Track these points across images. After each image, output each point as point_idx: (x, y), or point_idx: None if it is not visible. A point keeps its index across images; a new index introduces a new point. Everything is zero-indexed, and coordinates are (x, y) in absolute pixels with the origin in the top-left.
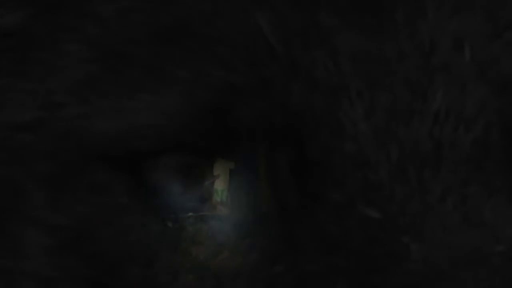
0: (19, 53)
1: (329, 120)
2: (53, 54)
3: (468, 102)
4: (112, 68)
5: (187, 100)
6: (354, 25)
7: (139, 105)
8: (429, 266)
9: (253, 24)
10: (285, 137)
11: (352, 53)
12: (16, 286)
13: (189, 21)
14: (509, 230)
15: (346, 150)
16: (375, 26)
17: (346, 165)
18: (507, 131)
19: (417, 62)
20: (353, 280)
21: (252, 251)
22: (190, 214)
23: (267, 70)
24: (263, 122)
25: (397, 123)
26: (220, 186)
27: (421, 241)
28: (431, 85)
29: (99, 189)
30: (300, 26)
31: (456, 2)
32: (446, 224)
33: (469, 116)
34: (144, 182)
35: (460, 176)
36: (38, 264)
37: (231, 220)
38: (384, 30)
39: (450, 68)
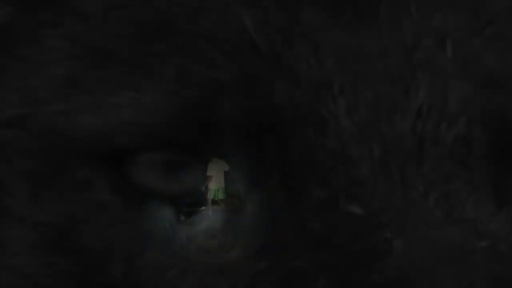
0: (2, 49)
1: (312, 116)
2: (36, 50)
3: (450, 98)
4: (96, 65)
5: (171, 97)
6: (337, 21)
7: (123, 102)
8: (411, 262)
9: (236, 21)
10: (268, 133)
11: (335, 50)
12: (1, 282)
13: (173, 18)
14: (491, 226)
15: (329, 146)
16: (358, 22)
17: (329, 161)
18: (489, 127)
19: (399, 59)
20: (336, 276)
21: (236, 248)
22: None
23: (250, 67)
24: (247, 118)
25: (379, 119)
26: (213, 185)
27: (404, 237)
28: (414, 81)
29: (82, 186)
30: (284, 22)
31: None
32: (429, 220)
33: (452, 112)
34: (128, 179)
35: (443, 172)
36: (22, 260)
37: (217, 217)
38: (367, 27)
39: (433, 64)
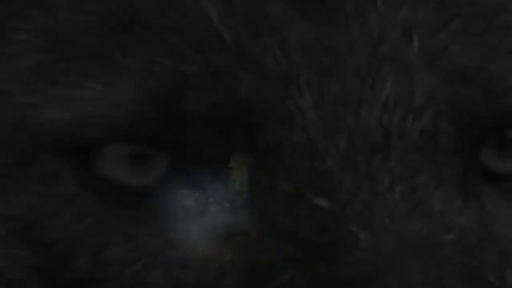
0: None
1: (278, 109)
2: (2, 43)
3: (416, 91)
4: (62, 57)
5: (137, 89)
6: (303, 15)
7: (89, 94)
8: (377, 255)
9: (203, 14)
10: (235, 126)
11: (302, 43)
12: None
13: (140, 11)
14: (458, 219)
15: (295, 139)
16: (325, 15)
17: (295, 155)
18: (455, 120)
19: (366, 52)
20: (303, 269)
21: (202, 241)
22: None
23: (217, 59)
24: (213, 111)
25: (346, 112)
26: (237, 177)
27: (370, 230)
28: (380, 75)
29: (48, 179)
30: (250, 16)
31: None
32: (395, 213)
33: (418, 105)
34: (94, 172)
35: (409, 165)
36: None
37: (183, 210)
38: (333, 20)
39: (399, 57)
